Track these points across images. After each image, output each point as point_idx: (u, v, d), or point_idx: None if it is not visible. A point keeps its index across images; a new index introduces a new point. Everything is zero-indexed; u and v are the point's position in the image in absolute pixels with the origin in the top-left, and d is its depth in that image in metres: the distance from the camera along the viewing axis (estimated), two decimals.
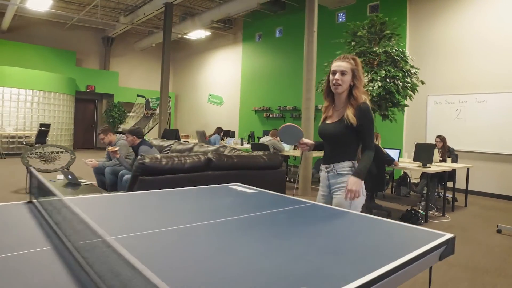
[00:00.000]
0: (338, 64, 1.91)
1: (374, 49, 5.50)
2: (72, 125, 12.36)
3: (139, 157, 2.76)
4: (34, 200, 1.62)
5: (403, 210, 4.84)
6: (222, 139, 8.95)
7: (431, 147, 5.13)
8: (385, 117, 5.66)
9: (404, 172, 6.31)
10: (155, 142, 5.53)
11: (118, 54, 14.40)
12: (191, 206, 1.77)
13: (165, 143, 5.42)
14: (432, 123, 7.30)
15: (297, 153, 6.99)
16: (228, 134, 9.78)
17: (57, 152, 5.77)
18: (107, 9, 11.34)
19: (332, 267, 0.99)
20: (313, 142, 2.15)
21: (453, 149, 6.03)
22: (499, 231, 4.16)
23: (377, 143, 4.92)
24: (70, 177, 4.11)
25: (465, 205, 5.61)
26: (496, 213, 5.24)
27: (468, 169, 5.60)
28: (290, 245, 1.17)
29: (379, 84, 5.18)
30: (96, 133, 13.81)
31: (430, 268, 1.32)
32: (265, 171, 3.51)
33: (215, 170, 3.12)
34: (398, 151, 5.69)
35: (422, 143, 5.88)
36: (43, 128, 9.23)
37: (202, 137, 8.42)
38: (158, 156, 2.84)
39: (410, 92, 5.60)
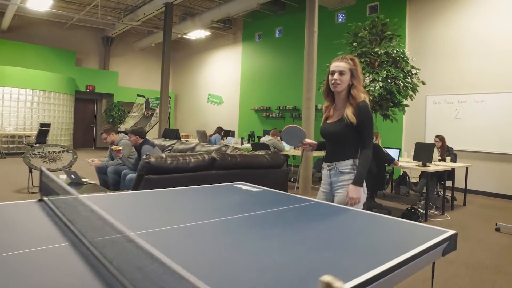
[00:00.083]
0: (337, 65, 1.96)
1: (376, 50, 5.56)
2: (72, 124, 12.38)
3: (144, 156, 2.79)
4: (45, 198, 1.65)
5: (403, 209, 4.89)
6: (222, 138, 8.98)
7: (431, 146, 5.18)
8: (386, 117, 5.72)
9: (403, 171, 6.35)
10: (156, 142, 5.56)
11: (118, 54, 14.41)
12: (198, 204, 1.80)
13: (167, 142, 5.45)
14: (431, 123, 7.35)
15: (297, 152, 7.03)
16: (228, 133, 9.82)
17: (59, 152, 5.80)
18: (107, 9, 11.36)
19: (343, 261, 1.03)
20: (316, 142, 2.18)
21: (452, 148, 6.08)
22: (497, 229, 4.22)
23: (377, 142, 4.97)
24: (73, 176, 4.14)
25: (464, 204, 5.66)
26: (495, 212, 5.30)
27: (467, 169, 5.65)
28: (300, 240, 1.21)
29: (381, 85, 5.24)
30: (96, 133, 13.83)
31: (433, 263, 1.37)
32: (268, 170, 3.56)
33: (219, 169, 3.16)
34: (398, 150, 5.74)
35: (422, 142, 5.93)
36: (43, 128, 9.25)
37: (203, 136, 8.46)
38: (163, 155, 2.88)
39: (410, 92, 5.66)
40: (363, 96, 1.96)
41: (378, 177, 4.71)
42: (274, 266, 0.95)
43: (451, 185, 5.60)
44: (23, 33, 12.05)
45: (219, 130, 8.96)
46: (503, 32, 6.48)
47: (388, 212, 4.82)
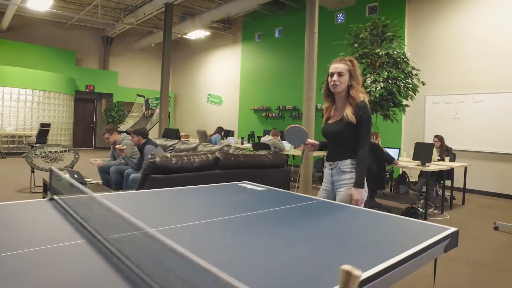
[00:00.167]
0: (335, 66, 2.02)
1: (376, 51, 5.62)
2: (72, 124, 12.39)
3: (150, 156, 2.83)
4: (56, 197, 1.69)
5: (403, 208, 4.93)
6: (222, 138, 9.02)
7: (430, 146, 5.23)
8: (387, 117, 5.78)
9: (403, 171, 6.41)
10: (158, 142, 5.59)
11: (117, 54, 14.43)
12: (204, 203, 1.83)
13: (169, 142, 5.48)
14: (430, 123, 7.41)
15: (297, 152, 7.07)
16: (228, 133, 9.86)
17: (61, 152, 5.82)
18: (107, 9, 11.37)
19: (349, 257, 1.07)
20: (318, 143, 2.23)
21: (451, 148, 6.13)
22: (496, 228, 4.27)
23: (377, 142, 5.02)
24: (76, 176, 4.17)
25: (463, 203, 5.72)
26: (493, 211, 5.35)
27: (465, 168, 5.71)
28: (307, 238, 1.24)
29: (382, 85, 5.30)
30: (95, 132, 13.84)
31: (435, 260, 1.41)
32: (270, 170, 3.60)
33: (222, 168, 3.20)
34: (398, 150, 5.79)
35: (421, 142, 5.99)
36: (43, 128, 9.26)
37: (203, 136, 8.49)
38: (168, 155, 2.91)
39: (411, 93, 5.73)
40: (362, 96, 2.01)
41: (378, 176, 4.76)
42: (282, 264, 0.97)
43: (450, 185, 5.65)
44: (23, 33, 12.06)
45: (219, 130, 8.99)
46: (501, 32, 6.53)
47: (388, 211, 4.83)
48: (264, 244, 1.15)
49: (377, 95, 5.29)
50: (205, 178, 2.95)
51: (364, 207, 2.10)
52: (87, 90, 13.11)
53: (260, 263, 0.98)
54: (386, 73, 5.41)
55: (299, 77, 8.79)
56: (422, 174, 5.66)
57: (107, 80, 13.60)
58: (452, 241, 1.36)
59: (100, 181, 4.76)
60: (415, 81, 5.77)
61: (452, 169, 5.46)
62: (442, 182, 5.41)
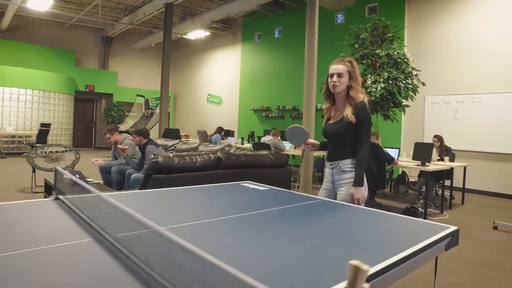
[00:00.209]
0: (335, 67, 2.05)
1: (377, 51, 5.65)
2: (72, 124, 12.40)
3: (152, 156, 2.85)
4: (61, 197, 1.71)
5: (402, 207, 4.96)
6: (223, 138, 9.04)
7: (430, 146, 5.26)
8: (387, 117, 5.81)
9: (402, 170, 6.43)
10: (159, 142, 5.61)
11: (117, 54, 14.44)
12: (207, 202, 1.85)
13: (169, 142, 5.50)
14: (429, 123, 7.44)
15: (298, 152, 7.10)
16: (229, 133, 9.88)
17: (62, 152, 5.84)
18: (107, 9, 11.38)
19: (352, 256, 1.08)
20: (318, 143, 2.25)
21: (450, 148, 6.16)
22: (495, 228, 4.30)
23: (377, 142, 5.04)
24: (77, 176, 4.18)
25: (462, 203, 5.74)
26: (492, 211, 5.38)
27: (465, 168, 5.74)
28: (309, 236, 1.26)
29: (382, 86, 5.33)
30: (95, 132, 13.85)
31: (436, 258, 1.43)
32: (271, 170, 3.62)
33: (224, 168, 3.23)
34: (397, 150, 5.82)
35: (421, 142, 6.01)
36: (43, 128, 9.27)
37: (204, 136, 8.50)
38: (171, 155, 2.94)
39: (411, 93, 5.76)
40: (361, 97, 2.04)
41: (379, 176, 4.79)
42: (284, 262, 0.99)
43: (449, 184, 5.68)
44: (23, 33, 12.06)
45: (219, 130, 9.01)
46: (501, 33, 6.56)
47: (387, 210, 4.86)
48: (266, 243, 1.16)
49: (377, 96, 5.32)
50: (207, 178, 2.97)
51: (364, 206, 2.13)
52: (87, 90, 13.11)
53: (262, 262, 0.99)
54: (386, 73, 5.44)
55: (299, 77, 8.81)
56: (422, 174, 5.69)
57: (107, 80, 13.61)
58: (452, 239, 1.38)
59: (101, 181, 4.77)
60: (415, 81, 5.80)
61: (451, 169, 5.49)
62: (441, 182, 5.44)
